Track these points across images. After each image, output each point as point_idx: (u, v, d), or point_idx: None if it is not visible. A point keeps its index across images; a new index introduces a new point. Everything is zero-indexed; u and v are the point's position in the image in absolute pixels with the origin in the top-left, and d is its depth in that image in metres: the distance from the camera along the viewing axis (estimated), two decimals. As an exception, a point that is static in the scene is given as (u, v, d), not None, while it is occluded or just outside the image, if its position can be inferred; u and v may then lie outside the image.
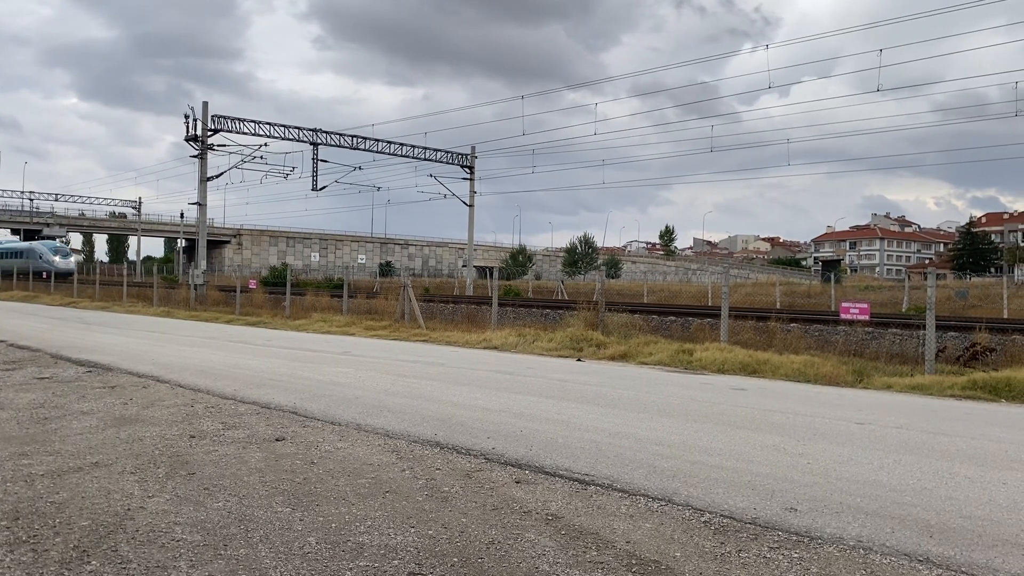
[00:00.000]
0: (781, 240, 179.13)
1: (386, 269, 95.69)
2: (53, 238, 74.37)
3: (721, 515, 4.08)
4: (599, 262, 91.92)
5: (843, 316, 12.48)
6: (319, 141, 36.38)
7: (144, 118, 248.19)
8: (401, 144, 39.08)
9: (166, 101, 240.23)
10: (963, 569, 3.36)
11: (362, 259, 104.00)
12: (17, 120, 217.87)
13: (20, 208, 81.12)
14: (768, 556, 3.48)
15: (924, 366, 10.47)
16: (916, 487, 4.68)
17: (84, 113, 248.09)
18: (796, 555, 3.49)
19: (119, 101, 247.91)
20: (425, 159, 40.27)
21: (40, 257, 60.59)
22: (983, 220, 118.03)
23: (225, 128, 32.68)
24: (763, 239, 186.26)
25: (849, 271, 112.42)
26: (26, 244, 67.95)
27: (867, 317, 12.27)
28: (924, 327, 10.80)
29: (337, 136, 37.03)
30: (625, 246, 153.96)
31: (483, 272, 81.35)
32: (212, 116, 32.02)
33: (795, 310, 20.88)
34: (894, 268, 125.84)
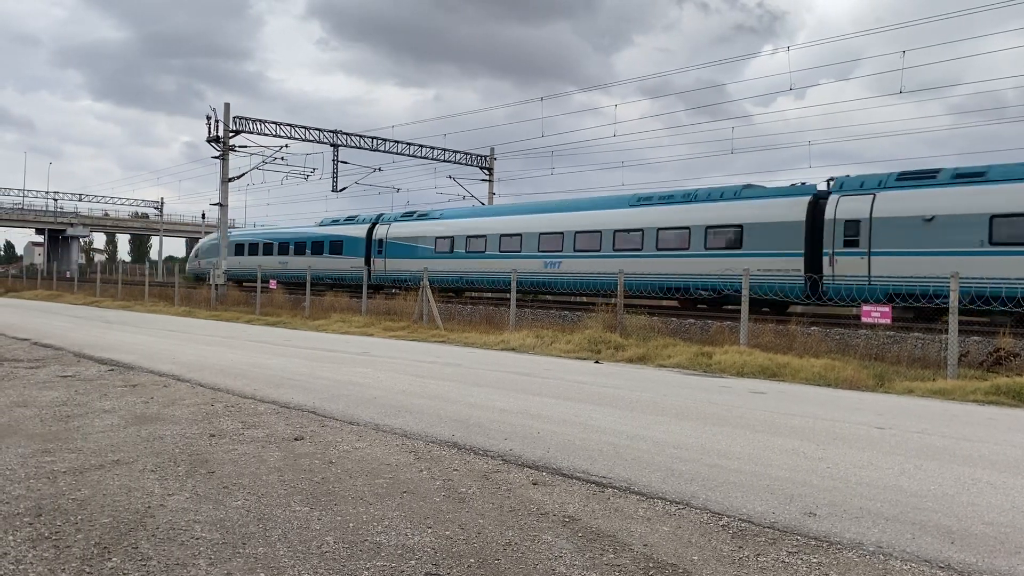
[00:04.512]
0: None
1: None
2: (77, 238, 75.20)
3: (739, 519, 4.05)
4: None
5: (864, 319, 12.38)
6: (339, 143, 36.55)
7: (156, 118, 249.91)
8: (420, 146, 39.16)
9: (177, 101, 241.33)
10: (985, 576, 3.32)
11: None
12: (32, 120, 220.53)
13: (44, 208, 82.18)
14: (786, 561, 3.46)
15: (946, 370, 10.35)
16: (937, 492, 4.63)
17: (100, 114, 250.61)
18: (815, 560, 3.47)
19: (130, 101, 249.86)
20: (444, 160, 40.28)
21: None
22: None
23: (246, 129, 32.89)
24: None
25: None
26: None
27: (888, 320, 12.16)
28: (947, 331, 10.68)
29: (357, 138, 37.17)
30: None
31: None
32: (234, 117, 32.27)
33: (816, 313, 20.69)
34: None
